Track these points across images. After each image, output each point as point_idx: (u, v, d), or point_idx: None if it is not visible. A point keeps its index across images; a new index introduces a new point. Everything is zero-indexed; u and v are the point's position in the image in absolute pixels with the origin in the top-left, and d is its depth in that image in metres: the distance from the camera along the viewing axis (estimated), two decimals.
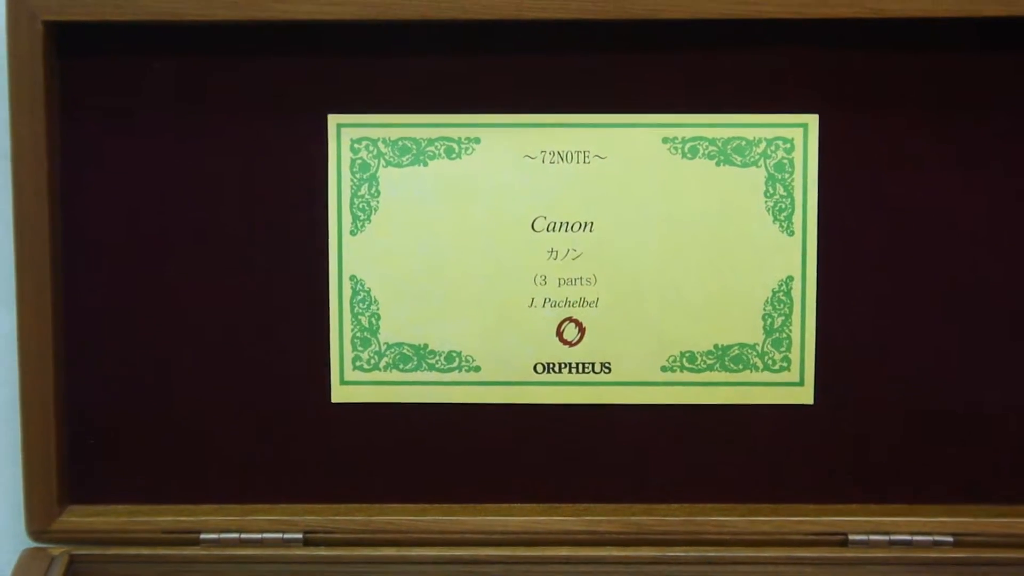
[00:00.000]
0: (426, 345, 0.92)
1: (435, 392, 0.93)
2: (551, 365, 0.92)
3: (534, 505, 0.93)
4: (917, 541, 0.91)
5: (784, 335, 0.92)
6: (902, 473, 0.93)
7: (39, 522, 0.92)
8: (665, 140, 0.90)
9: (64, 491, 0.93)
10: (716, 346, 0.92)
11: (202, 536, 0.92)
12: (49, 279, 0.90)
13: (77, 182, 0.91)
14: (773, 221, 0.91)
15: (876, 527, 0.91)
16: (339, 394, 0.93)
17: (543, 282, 0.92)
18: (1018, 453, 0.93)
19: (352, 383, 0.93)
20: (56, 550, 0.91)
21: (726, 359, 0.92)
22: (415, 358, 0.93)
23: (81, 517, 0.92)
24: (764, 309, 0.92)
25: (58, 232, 0.90)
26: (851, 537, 0.91)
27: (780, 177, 0.90)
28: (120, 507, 0.93)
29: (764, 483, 0.93)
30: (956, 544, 0.91)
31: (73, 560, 0.91)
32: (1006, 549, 0.91)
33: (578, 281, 0.92)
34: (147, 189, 0.91)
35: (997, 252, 0.91)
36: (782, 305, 0.91)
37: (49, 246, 0.89)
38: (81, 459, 0.93)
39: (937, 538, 0.91)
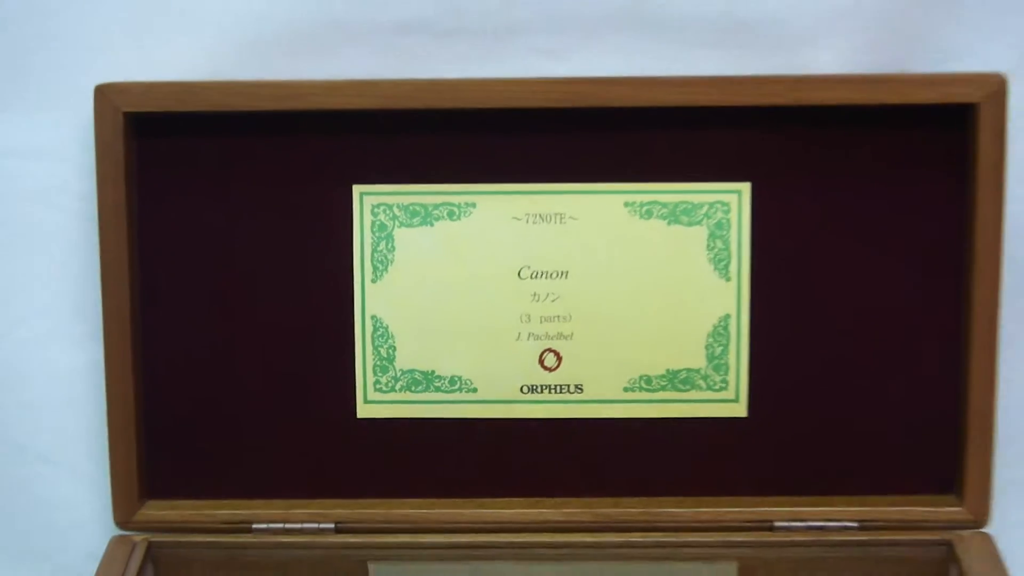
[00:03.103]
0: (433, 371, 0.96)
1: (441, 409, 0.96)
2: (534, 387, 0.96)
3: (522, 500, 0.96)
4: (829, 526, 0.95)
5: (723, 361, 0.95)
6: (818, 471, 0.96)
7: (123, 514, 0.95)
8: (626, 204, 0.93)
9: (143, 489, 0.95)
10: (668, 370, 0.95)
11: (254, 526, 0.95)
12: (129, 320, 0.93)
13: (151, 243, 0.94)
14: (714, 269, 0.94)
15: (796, 515, 0.95)
16: (363, 411, 0.96)
17: (528, 320, 0.95)
18: (909, 454, 0.96)
19: (374, 402, 0.96)
20: (137, 537, 0.95)
21: (676, 381, 0.95)
22: (424, 382, 0.96)
23: (157, 511, 0.96)
24: (707, 340, 0.95)
25: (136, 285, 0.94)
26: (776, 524, 0.95)
27: (720, 234, 0.93)
28: (187, 502, 0.96)
29: (707, 481, 0.96)
30: (860, 528, 0.95)
31: (151, 546, 0.95)
32: (901, 531, 0.95)
33: (556, 319, 0.95)
34: (208, 247, 0.94)
35: (895, 292, 0.94)
36: (721, 337, 0.95)
37: (128, 291, 0.93)
38: (157, 463, 0.96)
39: (845, 523, 0.95)
